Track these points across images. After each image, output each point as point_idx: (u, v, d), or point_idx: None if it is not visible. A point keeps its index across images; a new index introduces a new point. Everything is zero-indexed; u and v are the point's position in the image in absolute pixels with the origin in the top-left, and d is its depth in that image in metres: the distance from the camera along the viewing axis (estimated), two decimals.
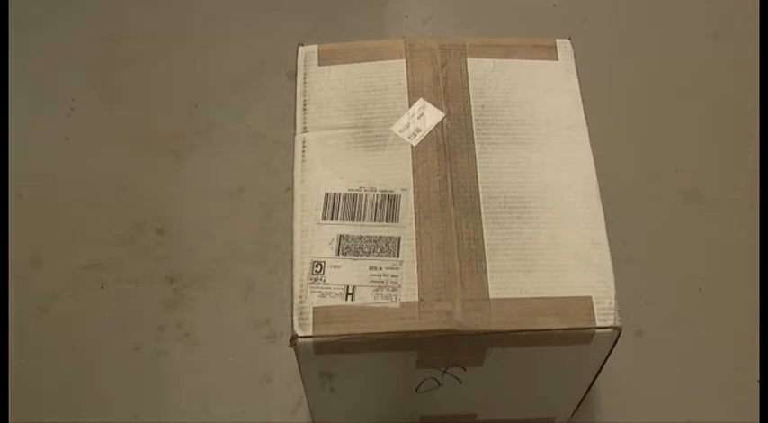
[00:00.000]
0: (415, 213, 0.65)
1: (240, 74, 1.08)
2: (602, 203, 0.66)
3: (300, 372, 0.66)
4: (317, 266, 0.63)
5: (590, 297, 0.62)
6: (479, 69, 0.72)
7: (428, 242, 0.64)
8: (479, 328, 0.61)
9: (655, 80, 1.07)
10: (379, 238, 0.64)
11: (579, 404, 0.78)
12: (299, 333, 0.61)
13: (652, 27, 1.13)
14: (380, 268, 0.63)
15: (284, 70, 1.05)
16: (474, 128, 0.69)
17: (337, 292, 0.62)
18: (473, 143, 0.68)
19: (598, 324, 0.61)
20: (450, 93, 0.70)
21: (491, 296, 0.62)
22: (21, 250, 0.93)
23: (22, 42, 1.10)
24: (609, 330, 0.61)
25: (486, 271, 0.63)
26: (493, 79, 0.71)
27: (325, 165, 0.67)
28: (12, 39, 1.09)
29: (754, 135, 1.01)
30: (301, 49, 0.73)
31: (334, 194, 0.66)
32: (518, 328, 0.61)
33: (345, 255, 0.63)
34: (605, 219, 0.65)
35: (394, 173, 0.67)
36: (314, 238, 0.64)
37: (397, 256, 0.63)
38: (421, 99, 0.70)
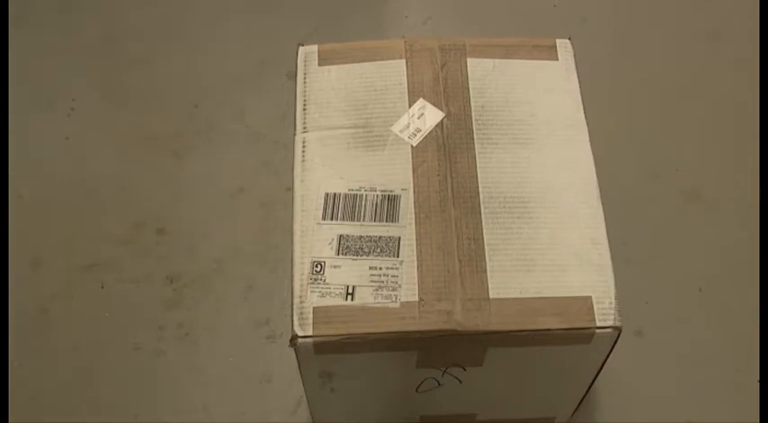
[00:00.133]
0: (415, 213, 0.65)
1: (240, 74, 1.08)
2: (602, 203, 0.66)
3: (300, 372, 0.66)
4: (316, 266, 0.63)
5: (590, 297, 0.62)
6: (479, 69, 0.72)
7: (428, 242, 0.64)
8: (479, 328, 0.61)
9: (655, 80, 1.07)
10: (379, 238, 0.64)
11: (579, 404, 0.78)
12: (299, 333, 0.61)
13: (652, 27, 1.13)
14: (380, 268, 0.63)
15: (284, 70, 1.05)
16: (474, 128, 0.69)
17: (337, 292, 0.62)
18: (473, 143, 0.68)
19: (598, 324, 0.61)
20: (451, 93, 0.70)
21: (491, 296, 0.62)
22: (21, 250, 0.93)
23: (22, 42, 1.10)
24: (609, 330, 0.61)
25: (486, 271, 0.63)
26: (493, 79, 0.71)
27: (325, 165, 0.67)
28: (12, 39, 1.09)
29: (754, 135, 1.01)
30: (301, 49, 0.73)
31: (334, 194, 0.66)
32: (518, 328, 0.61)
33: (345, 255, 0.63)
34: (605, 219, 0.65)
35: (394, 173, 0.67)
36: (314, 238, 0.64)
37: (397, 256, 0.63)
38: (421, 99, 0.70)
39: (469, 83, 0.71)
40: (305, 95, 0.71)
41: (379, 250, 0.63)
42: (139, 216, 0.97)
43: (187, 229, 0.96)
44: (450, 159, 0.67)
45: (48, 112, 1.05)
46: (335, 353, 0.63)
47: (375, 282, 0.62)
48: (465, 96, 0.70)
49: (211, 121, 1.04)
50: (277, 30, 1.11)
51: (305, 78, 0.72)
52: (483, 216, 0.65)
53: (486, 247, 0.64)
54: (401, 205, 0.65)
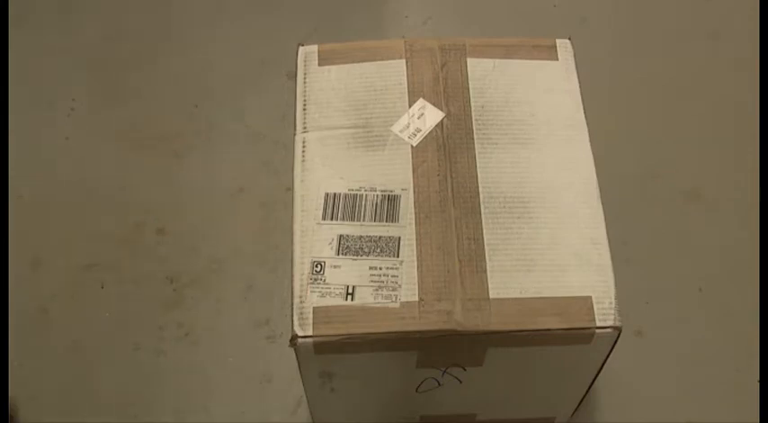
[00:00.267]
0: (415, 213, 0.65)
1: (240, 74, 1.08)
2: (602, 203, 0.66)
3: (300, 372, 0.66)
4: (316, 266, 0.63)
5: (590, 297, 0.62)
6: (479, 69, 0.72)
7: (428, 242, 0.64)
8: (479, 328, 0.61)
9: (655, 80, 1.07)
10: (379, 238, 0.64)
11: (579, 404, 0.78)
12: (299, 333, 0.61)
13: (652, 27, 1.13)
14: (380, 268, 0.63)
15: (284, 70, 1.05)
16: (474, 128, 0.69)
17: (337, 292, 0.62)
18: (473, 143, 0.68)
19: (598, 324, 0.61)
20: (451, 93, 0.70)
21: (491, 296, 0.62)
22: (21, 250, 0.93)
23: (22, 42, 1.10)
24: (609, 330, 0.61)
25: (486, 271, 0.63)
26: (493, 79, 0.71)
27: (325, 165, 0.67)
28: (12, 39, 1.09)
29: (754, 135, 1.01)
30: (301, 49, 0.73)
31: (334, 194, 0.66)
32: (518, 328, 0.61)
33: (345, 255, 0.63)
34: (605, 219, 0.65)
35: (394, 173, 0.67)
36: (314, 238, 0.64)
37: (397, 256, 0.63)
38: (421, 99, 0.70)
39: (469, 83, 0.71)
40: (305, 95, 0.71)
41: (379, 250, 0.63)
42: (139, 216, 0.97)
43: (187, 229, 0.96)
44: (450, 159, 0.67)
45: (48, 112, 1.05)
46: (335, 353, 0.63)
47: (375, 282, 0.62)
48: (465, 96, 0.70)
49: (211, 121, 1.04)
50: (277, 30, 1.11)
51: (305, 78, 0.72)
52: (483, 216, 0.65)
53: (486, 247, 0.64)
54: (401, 205, 0.65)
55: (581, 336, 0.62)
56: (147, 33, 1.12)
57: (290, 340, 0.61)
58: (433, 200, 0.65)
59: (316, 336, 0.61)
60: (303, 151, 0.68)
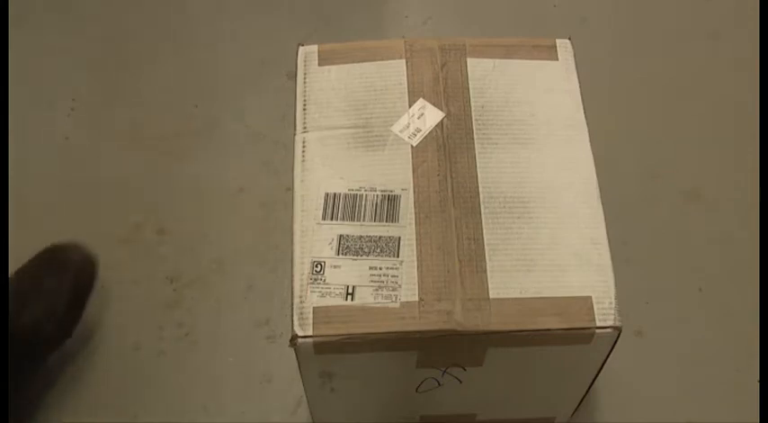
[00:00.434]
0: (415, 213, 0.65)
1: (240, 74, 1.08)
2: (602, 203, 0.66)
3: (300, 372, 0.66)
4: (316, 266, 0.63)
5: (590, 297, 0.62)
6: (479, 69, 0.72)
7: (428, 242, 0.64)
8: (479, 328, 0.61)
9: (655, 80, 1.07)
10: (379, 238, 0.64)
11: (579, 404, 0.78)
12: (299, 333, 0.61)
13: (652, 27, 1.13)
14: (380, 268, 0.63)
15: (284, 70, 1.05)
16: (474, 128, 0.69)
17: (337, 292, 0.62)
18: (473, 143, 0.68)
19: (598, 324, 0.61)
20: (451, 93, 0.70)
21: (491, 296, 0.62)
22: (21, 250, 0.93)
23: (22, 42, 1.10)
24: (609, 330, 0.61)
25: (486, 271, 0.63)
26: (493, 79, 0.71)
27: (325, 165, 0.67)
28: (12, 39, 1.09)
29: (754, 135, 1.01)
30: (301, 49, 0.73)
31: (334, 194, 0.66)
32: (518, 328, 0.61)
33: (345, 255, 0.63)
34: (605, 219, 0.65)
35: (394, 173, 0.67)
36: (314, 238, 0.64)
37: (397, 256, 0.63)
38: (421, 99, 0.70)
39: (469, 83, 0.71)
40: (305, 95, 0.71)
41: (379, 250, 0.63)
42: (139, 216, 0.97)
43: (187, 229, 0.96)
44: (450, 159, 0.67)
45: (48, 112, 1.05)
46: (335, 353, 0.63)
47: (375, 282, 0.62)
48: (465, 96, 0.70)
49: (211, 121, 1.04)
50: (277, 30, 1.11)
51: (305, 78, 0.72)
52: (483, 216, 0.65)
53: (486, 247, 0.64)
54: (401, 205, 0.65)
55: (581, 336, 0.62)
56: (147, 33, 1.12)
57: (290, 340, 0.61)
58: (433, 200, 0.65)
59: (316, 336, 0.61)
60: (303, 151, 0.68)
